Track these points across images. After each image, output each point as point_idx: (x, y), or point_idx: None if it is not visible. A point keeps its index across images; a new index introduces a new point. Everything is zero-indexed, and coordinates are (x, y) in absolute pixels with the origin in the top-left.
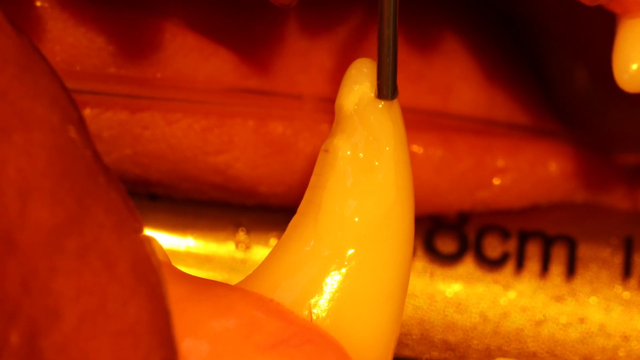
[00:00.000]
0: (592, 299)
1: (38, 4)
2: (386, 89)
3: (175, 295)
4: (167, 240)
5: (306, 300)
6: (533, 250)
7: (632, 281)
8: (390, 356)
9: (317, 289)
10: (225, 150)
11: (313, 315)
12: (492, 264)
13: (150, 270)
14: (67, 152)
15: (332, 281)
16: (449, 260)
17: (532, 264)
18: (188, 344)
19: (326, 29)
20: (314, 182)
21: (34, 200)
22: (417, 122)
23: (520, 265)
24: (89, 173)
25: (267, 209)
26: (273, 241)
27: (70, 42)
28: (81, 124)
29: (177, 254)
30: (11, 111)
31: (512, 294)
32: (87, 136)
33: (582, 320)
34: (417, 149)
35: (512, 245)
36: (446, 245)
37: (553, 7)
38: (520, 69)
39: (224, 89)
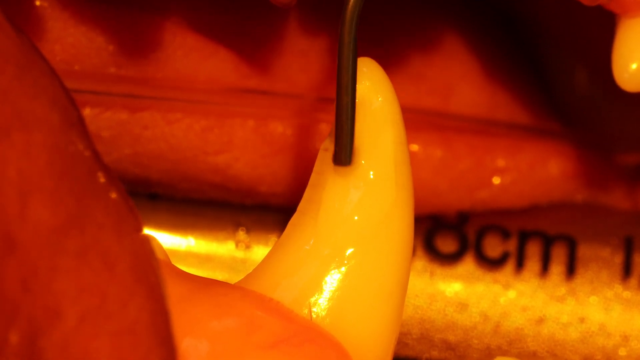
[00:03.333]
0: (592, 299)
1: (38, 3)
2: (344, 156)
3: (175, 295)
4: (167, 239)
5: (306, 299)
6: (533, 250)
7: (632, 281)
8: (390, 355)
9: (317, 287)
10: (225, 150)
11: (313, 314)
12: (492, 264)
13: (150, 270)
14: (67, 152)
15: (332, 280)
16: (449, 259)
17: (532, 264)
18: (188, 343)
19: (326, 29)
20: (313, 180)
21: (34, 201)
22: (416, 122)
23: (520, 265)
24: (89, 173)
25: (267, 208)
26: (273, 241)
27: (70, 41)
28: (81, 123)
29: (177, 253)
30: (11, 111)
31: (512, 294)
32: (87, 136)
33: (582, 320)
34: (416, 148)
35: (512, 245)
36: (446, 244)
37: (553, 7)
38: (521, 69)
39: (223, 88)
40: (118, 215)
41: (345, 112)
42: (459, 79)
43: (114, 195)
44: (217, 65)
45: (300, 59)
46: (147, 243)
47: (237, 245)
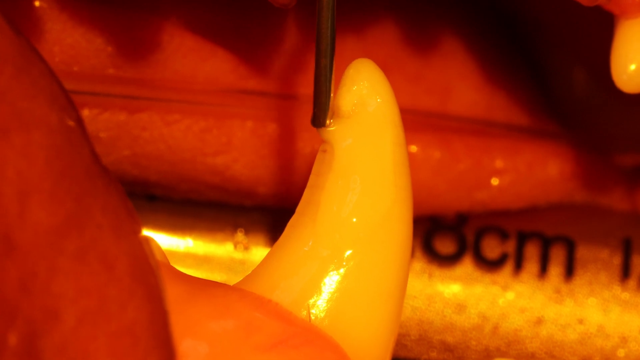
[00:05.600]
0: (591, 300)
1: (37, 4)
2: (322, 117)
3: (173, 296)
4: (165, 241)
5: (305, 301)
6: (532, 251)
7: (631, 282)
8: (388, 356)
9: (316, 289)
10: (223, 151)
11: (312, 315)
12: (490, 265)
13: (149, 271)
14: (66, 153)
15: (331, 281)
16: (448, 261)
17: (531, 265)
18: (187, 345)
19: None
20: (312, 182)
21: (32, 202)
22: (415, 123)
23: (518, 266)
24: (87, 174)
25: (266, 209)
26: (271, 242)
27: (68, 42)
28: (80, 124)
29: (175, 254)
30: (10, 112)
31: (510, 295)
32: (86, 137)
33: (580, 321)
34: (415, 149)
35: (510, 246)
36: (445, 246)
37: (551, 8)
38: (519, 69)
39: (222, 89)
40: (117, 216)
41: (324, 74)
42: (457, 80)
43: (112, 196)
44: (215, 66)
45: (299, 60)
46: (145, 244)
47: (235, 247)
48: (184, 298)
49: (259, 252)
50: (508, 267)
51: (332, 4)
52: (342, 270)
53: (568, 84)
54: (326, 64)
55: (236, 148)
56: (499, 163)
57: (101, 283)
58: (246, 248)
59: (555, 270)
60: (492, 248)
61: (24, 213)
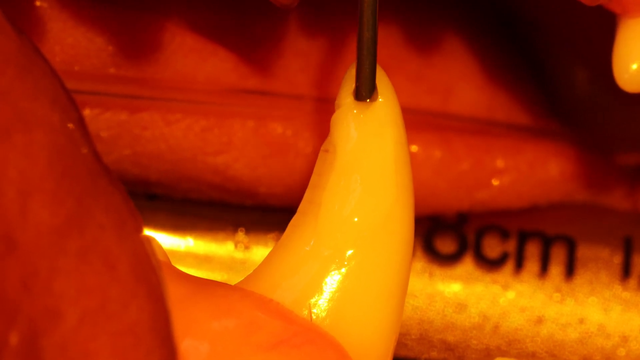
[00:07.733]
0: (591, 299)
1: (37, 4)
2: (365, 91)
3: (175, 296)
4: (166, 240)
5: (306, 300)
6: (532, 251)
7: (632, 281)
8: (390, 356)
9: (317, 288)
10: (224, 151)
11: (313, 315)
12: (491, 264)
13: (151, 271)
14: (68, 153)
15: (332, 281)
16: (448, 260)
17: (532, 264)
18: (188, 344)
19: (326, 29)
20: (314, 182)
21: (34, 201)
22: (416, 123)
23: (519, 265)
24: (89, 174)
25: (267, 209)
26: (272, 241)
27: (69, 42)
28: (81, 124)
29: (176, 254)
30: (12, 112)
31: (511, 294)
32: (88, 137)
33: (581, 321)
34: (416, 149)
35: (511, 246)
36: (445, 245)
37: (553, 7)
38: (520, 69)
39: (223, 89)
40: (118, 216)
41: (367, 47)
42: (459, 79)
43: (114, 196)
44: (216, 66)
45: (300, 59)
46: (147, 244)
47: (236, 246)
48: (186, 297)
49: (259, 252)
50: (508, 267)
51: None
52: (343, 270)
53: (569, 83)
54: (369, 37)
55: (237, 147)
56: (500, 162)
57: (103, 283)
58: (247, 247)
59: (556, 269)
60: (492, 247)
61: (26, 213)
